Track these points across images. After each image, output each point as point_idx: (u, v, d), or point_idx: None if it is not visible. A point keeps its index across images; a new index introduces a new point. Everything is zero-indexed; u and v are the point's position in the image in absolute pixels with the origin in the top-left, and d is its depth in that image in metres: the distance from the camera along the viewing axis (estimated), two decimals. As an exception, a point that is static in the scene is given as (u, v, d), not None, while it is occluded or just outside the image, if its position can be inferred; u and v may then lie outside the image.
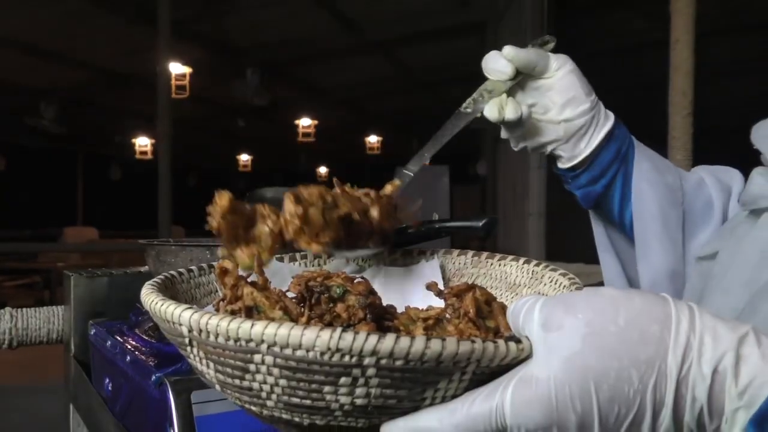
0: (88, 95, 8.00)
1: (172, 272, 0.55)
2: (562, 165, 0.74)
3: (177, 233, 8.21)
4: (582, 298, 0.36)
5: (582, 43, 5.76)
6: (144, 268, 1.23)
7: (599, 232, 0.81)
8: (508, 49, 0.67)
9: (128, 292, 1.16)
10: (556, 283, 0.56)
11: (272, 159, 13.61)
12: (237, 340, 0.35)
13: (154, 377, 0.67)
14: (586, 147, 0.71)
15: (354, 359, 0.34)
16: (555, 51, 0.73)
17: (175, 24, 5.03)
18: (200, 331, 0.37)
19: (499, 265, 0.65)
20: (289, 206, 0.51)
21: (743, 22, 5.45)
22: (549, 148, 0.72)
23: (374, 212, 0.56)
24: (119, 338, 0.86)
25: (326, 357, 0.34)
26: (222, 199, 0.52)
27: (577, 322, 0.35)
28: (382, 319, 0.49)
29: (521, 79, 0.69)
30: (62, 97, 7.74)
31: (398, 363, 0.34)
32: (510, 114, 0.66)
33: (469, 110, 0.67)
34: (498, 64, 0.67)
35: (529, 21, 4.27)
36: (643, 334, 0.34)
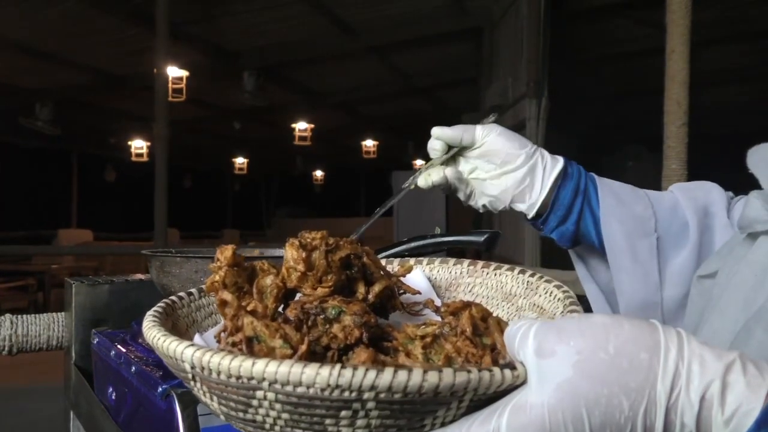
0: (83, 97, 7.98)
1: (172, 298, 0.56)
2: (528, 215, 0.80)
3: (172, 235, 8.20)
4: (574, 325, 0.37)
5: (579, 49, 5.80)
6: (145, 276, 1.24)
7: (580, 267, 0.85)
8: (436, 130, 0.78)
9: (129, 300, 1.17)
10: (550, 295, 0.58)
11: (268, 162, 13.60)
12: (239, 377, 0.36)
13: (160, 389, 0.68)
14: (541, 191, 0.77)
15: (354, 394, 0.34)
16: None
17: (172, 26, 5.03)
18: (202, 368, 0.38)
19: (495, 274, 0.66)
20: (291, 253, 0.52)
21: (738, 30, 5.49)
22: (504, 201, 0.79)
23: (376, 287, 0.56)
24: (123, 348, 0.87)
25: (326, 393, 0.35)
26: (225, 252, 0.52)
27: (569, 349, 0.36)
28: (381, 339, 0.50)
29: (459, 150, 0.79)
30: (58, 99, 7.72)
31: (397, 396, 0.35)
32: (435, 178, 0.78)
33: (410, 186, 0.80)
34: (432, 143, 0.79)
35: (526, 27, 4.29)
36: (633, 362, 0.35)
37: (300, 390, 0.35)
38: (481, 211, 0.84)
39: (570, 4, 5.00)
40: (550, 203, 0.77)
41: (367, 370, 0.34)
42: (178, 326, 0.54)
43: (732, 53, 6.10)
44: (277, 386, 0.35)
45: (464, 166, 0.80)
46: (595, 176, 0.80)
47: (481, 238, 0.71)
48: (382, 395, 0.34)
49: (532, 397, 0.36)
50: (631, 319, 0.37)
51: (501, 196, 0.78)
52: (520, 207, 0.79)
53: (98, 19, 5.33)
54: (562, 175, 0.77)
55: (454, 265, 0.70)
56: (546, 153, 0.78)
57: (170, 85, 5.85)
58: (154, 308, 0.51)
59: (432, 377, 0.34)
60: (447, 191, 0.81)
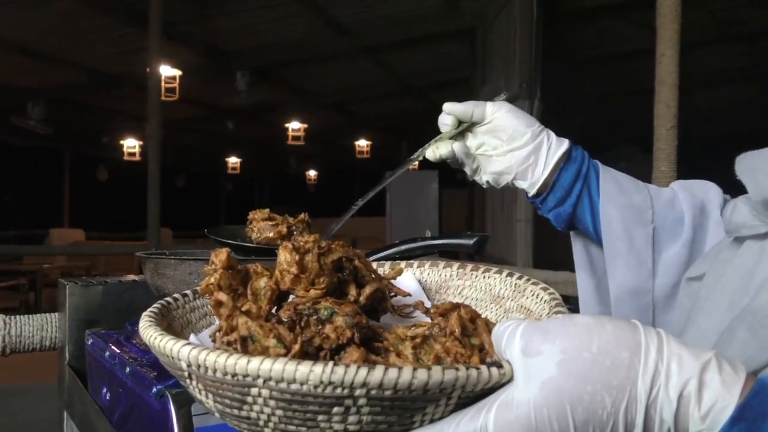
0: (76, 96, 7.95)
1: (168, 299, 0.57)
2: (529, 193, 0.82)
3: (164, 235, 8.18)
4: (559, 326, 0.39)
5: (572, 50, 5.82)
6: (138, 277, 1.24)
7: (578, 250, 0.86)
8: (447, 105, 0.80)
9: (123, 301, 1.17)
10: (537, 297, 0.60)
11: (261, 162, 13.57)
12: (234, 375, 0.37)
13: (155, 389, 0.69)
14: (544, 170, 0.78)
15: (345, 391, 0.35)
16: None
17: (166, 26, 5.03)
18: (198, 366, 0.39)
19: (484, 277, 0.68)
20: (285, 256, 0.53)
21: (729, 32, 5.53)
22: (507, 178, 0.81)
23: (367, 289, 0.57)
24: (117, 349, 0.88)
25: (319, 390, 0.36)
26: (220, 255, 0.53)
27: (554, 349, 0.37)
28: (373, 340, 0.51)
29: (468, 126, 0.81)
30: (50, 98, 7.68)
31: (387, 393, 0.36)
32: (443, 151, 0.80)
33: (419, 157, 0.83)
34: (442, 118, 0.81)
35: (518, 28, 4.31)
36: (615, 361, 0.36)
37: (293, 387, 0.36)
38: (484, 186, 0.86)
39: (563, 5, 5.03)
40: (551, 183, 0.79)
41: (358, 367, 0.35)
42: (173, 327, 0.55)
43: (723, 55, 6.15)
44: (272, 383, 0.36)
45: (472, 141, 0.81)
46: (599, 164, 0.81)
47: (471, 241, 0.72)
48: (373, 392, 0.36)
49: (519, 394, 0.37)
50: (614, 320, 0.39)
51: (505, 172, 0.80)
52: (522, 185, 0.81)
53: (92, 19, 5.31)
54: (566, 158, 0.79)
55: (443, 268, 0.71)
56: (552, 134, 0.80)
57: (163, 84, 5.84)
58: (150, 309, 0.52)
59: (421, 374, 0.35)
60: (454, 165, 0.83)
